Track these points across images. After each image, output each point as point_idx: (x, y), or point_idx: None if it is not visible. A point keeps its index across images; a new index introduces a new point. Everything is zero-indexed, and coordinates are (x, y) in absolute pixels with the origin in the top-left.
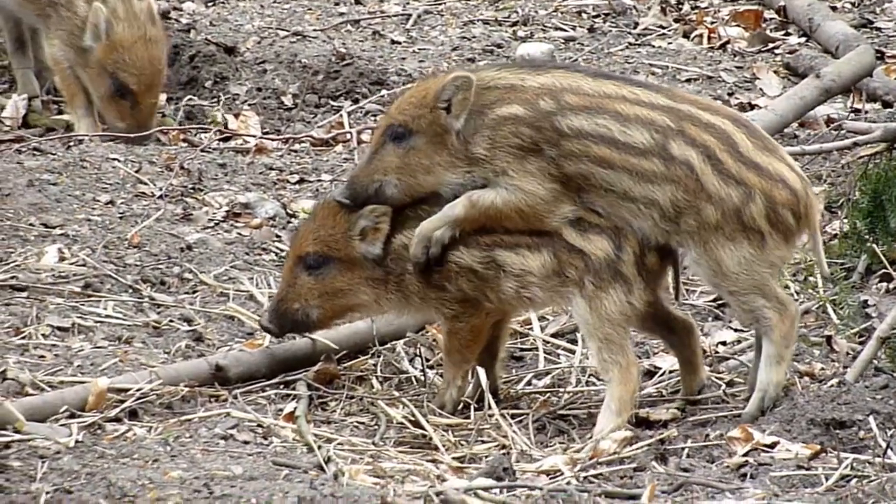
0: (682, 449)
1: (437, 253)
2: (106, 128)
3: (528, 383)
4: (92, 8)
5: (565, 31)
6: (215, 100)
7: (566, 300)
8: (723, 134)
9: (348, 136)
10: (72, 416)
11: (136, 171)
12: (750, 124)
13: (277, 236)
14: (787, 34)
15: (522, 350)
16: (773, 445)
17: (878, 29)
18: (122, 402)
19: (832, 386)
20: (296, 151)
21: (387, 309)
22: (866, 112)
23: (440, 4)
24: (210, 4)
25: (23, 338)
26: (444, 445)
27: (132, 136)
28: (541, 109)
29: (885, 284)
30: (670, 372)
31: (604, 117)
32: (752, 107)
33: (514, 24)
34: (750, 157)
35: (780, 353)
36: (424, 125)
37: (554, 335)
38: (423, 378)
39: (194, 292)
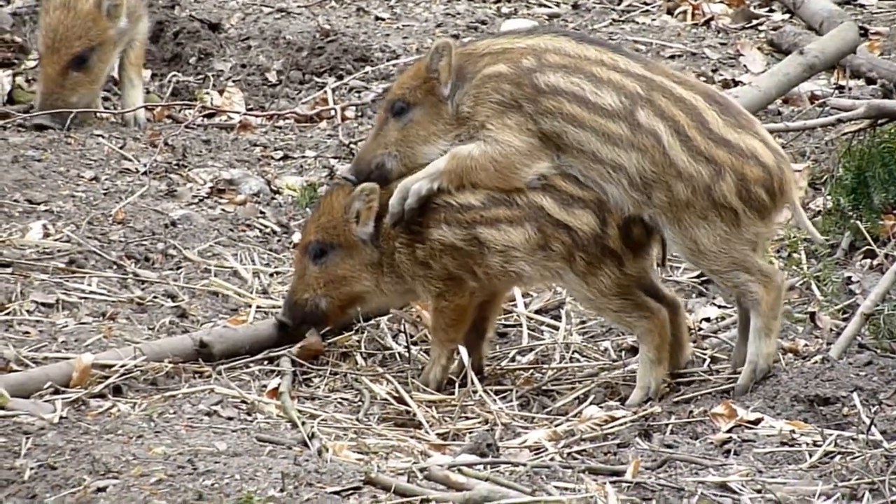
0: (666, 425)
1: (413, 205)
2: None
3: (512, 360)
4: None
5: (549, 7)
6: (200, 76)
7: (556, 275)
8: (693, 109)
9: (332, 112)
10: (56, 392)
11: (121, 148)
12: (724, 101)
13: (261, 212)
14: (771, 10)
15: (506, 326)
16: (756, 422)
17: (862, 6)
18: (107, 378)
19: (816, 362)
20: (280, 128)
21: (387, 292)
22: (850, 89)
23: None
24: None
25: (7, 314)
26: (427, 422)
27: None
28: (523, 67)
29: (868, 261)
30: None
31: (579, 76)
32: (736, 83)
33: (498, 0)
34: (720, 133)
35: (768, 324)
36: (421, 97)
37: (538, 311)
38: (407, 354)
39: (178, 268)
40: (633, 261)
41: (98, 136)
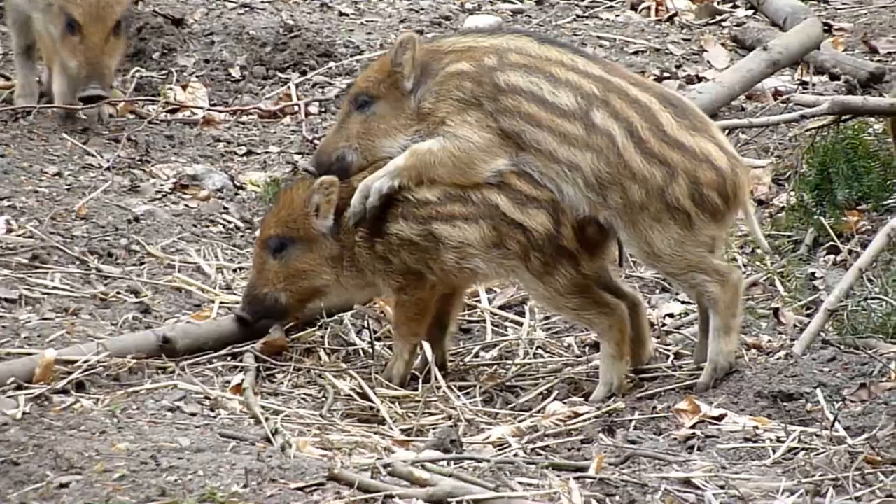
0: (630, 421)
1: (374, 203)
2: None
3: (476, 356)
4: None
5: (513, 3)
6: (163, 72)
7: (512, 273)
8: (647, 111)
9: (296, 108)
10: (19, 387)
11: (84, 143)
12: (680, 102)
13: (225, 208)
14: (735, 7)
15: (470, 322)
16: (720, 418)
17: (826, 1)
18: (70, 373)
19: (779, 358)
20: (243, 123)
21: (347, 287)
22: (814, 85)
23: None
24: None
25: None
26: (391, 418)
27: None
28: (484, 65)
29: (832, 257)
30: None
31: (538, 76)
32: (700, 79)
33: None
34: (674, 136)
35: (726, 323)
36: (384, 90)
37: (501, 307)
38: (370, 350)
39: (142, 264)
40: (590, 260)
41: (61, 130)
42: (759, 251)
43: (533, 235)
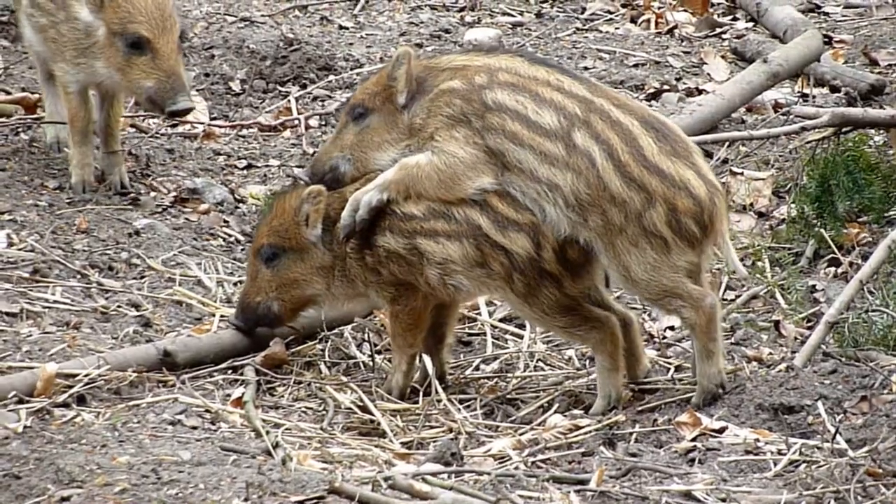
0: (631, 434)
1: (364, 216)
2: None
3: (476, 368)
4: None
5: (513, 16)
6: None
7: (496, 292)
8: (628, 135)
9: (296, 122)
10: (20, 401)
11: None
12: (662, 127)
13: (225, 222)
14: (735, 19)
15: (470, 335)
16: (721, 430)
17: (826, 14)
18: (71, 387)
19: (780, 371)
20: (244, 137)
21: (338, 296)
22: (814, 97)
23: None
24: None
25: None
26: (392, 431)
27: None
28: (475, 83)
29: (832, 269)
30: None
31: (524, 95)
32: (700, 91)
33: (462, 9)
34: (654, 161)
35: (706, 346)
36: (379, 103)
37: (502, 320)
38: (371, 363)
39: (142, 278)
40: (573, 281)
41: (62, 145)
42: (759, 263)
43: (515, 258)
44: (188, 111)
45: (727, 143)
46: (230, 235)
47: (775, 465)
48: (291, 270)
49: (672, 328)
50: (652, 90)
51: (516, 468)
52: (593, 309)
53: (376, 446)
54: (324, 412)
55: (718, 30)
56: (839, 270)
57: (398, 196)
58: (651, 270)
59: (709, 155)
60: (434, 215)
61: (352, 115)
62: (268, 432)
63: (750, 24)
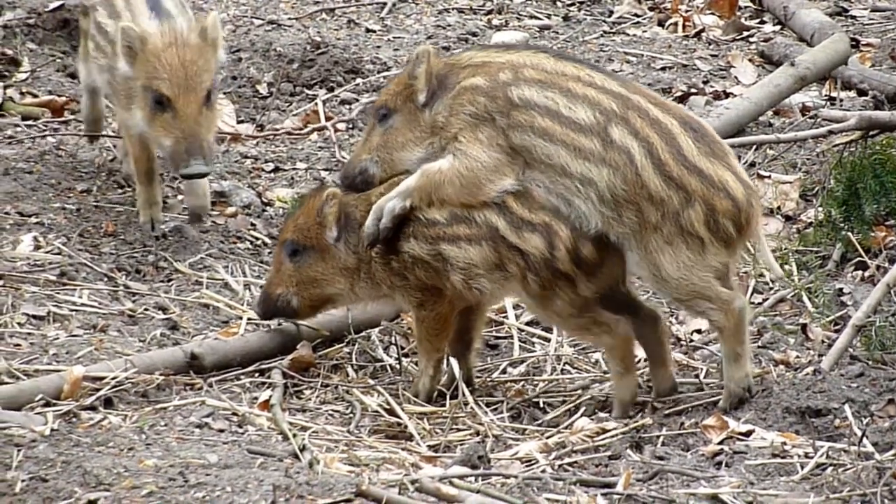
0: (658, 437)
1: (388, 224)
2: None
3: (503, 371)
4: (120, 29)
5: (540, 19)
6: None
7: (514, 294)
8: (668, 134)
9: (327, 129)
10: (47, 404)
11: (112, 161)
12: (700, 127)
13: (252, 225)
14: (762, 22)
15: (497, 338)
16: (748, 434)
17: (853, 17)
18: (98, 390)
19: (807, 374)
20: (270, 140)
21: (361, 297)
22: (841, 100)
23: None
24: None
25: None
26: (419, 434)
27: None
28: (499, 80)
29: (860, 272)
30: (646, 360)
31: (554, 91)
32: (727, 95)
33: (489, 12)
34: (693, 161)
35: (734, 349)
36: (401, 103)
37: (528, 323)
38: (398, 366)
39: (169, 281)
40: (588, 281)
41: (89, 148)
42: (786, 267)
43: (529, 259)
44: (202, 175)
45: (754, 147)
46: (257, 238)
47: (802, 468)
48: (312, 269)
49: (699, 331)
50: (679, 93)
51: (543, 471)
52: (605, 313)
53: (403, 449)
54: (351, 415)
55: (746, 33)
56: (866, 274)
57: (421, 202)
58: (684, 270)
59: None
60: (456, 220)
61: (377, 117)
62: (295, 435)
63: (777, 28)
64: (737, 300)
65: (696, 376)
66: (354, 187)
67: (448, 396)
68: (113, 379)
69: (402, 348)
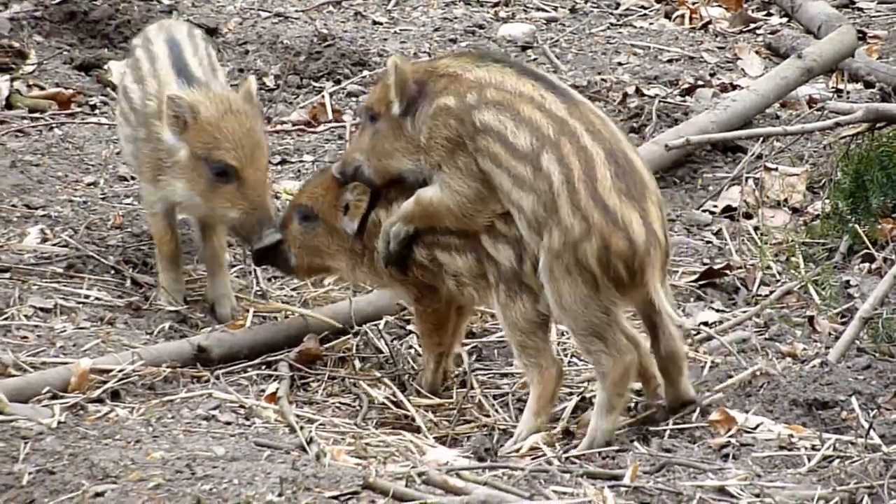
0: (665, 430)
1: (396, 248)
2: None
3: (510, 364)
4: (166, 97)
5: (547, 11)
6: None
7: (491, 301)
8: (589, 163)
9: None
10: (54, 397)
11: (118, 153)
12: (627, 163)
13: None
14: (769, 14)
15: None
16: (755, 426)
17: (860, 9)
18: (105, 382)
19: (814, 366)
20: (277, 132)
21: (360, 280)
22: (848, 92)
23: None
24: None
25: (5, 319)
26: (426, 426)
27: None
28: (466, 102)
29: (867, 265)
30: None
31: (506, 115)
32: (734, 87)
33: (496, 4)
34: (601, 195)
35: (611, 401)
36: (384, 110)
37: None
38: (407, 358)
39: None
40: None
41: (96, 140)
42: (793, 259)
43: (501, 269)
44: (275, 244)
45: (761, 139)
46: None
47: (809, 460)
48: (318, 240)
49: (706, 324)
50: (686, 85)
51: (550, 463)
52: (552, 346)
53: (410, 441)
54: (358, 407)
55: (752, 25)
56: (873, 266)
57: (422, 227)
58: (580, 303)
59: (742, 150)
60: (448, 230)
61: (367, 117)
62: (302, 427)
63: (784, 20)
64: (629, 354)
65: (701, 369)
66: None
67: (455, 388)
68: (120, 371)
69: (399, 338)
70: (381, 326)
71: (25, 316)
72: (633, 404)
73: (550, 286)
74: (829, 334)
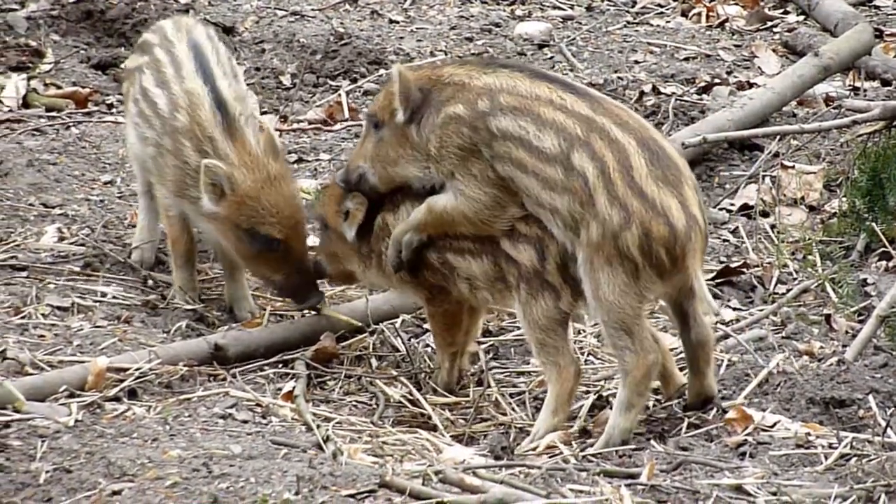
0: (682, 428)
1: (408, 256)
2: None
3: (527, 362)
4: (203, 166)
5: (563, 9)
6: None
7: (510, 302)
8: (622, 153)
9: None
10: (71, 395)
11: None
12: (659, 150)
13: None
14: (786, 12)
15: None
16: (772, 424)
17: (877, 7)
18: (122, 381)
19: (831, 365)
20: (294, 131)
21: (375, 282)
22: (865, 90)
23: None
24: None
25: (22, 317)
26: (442, 424)
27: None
28: (478, 109)
29: (884, 263)
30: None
31: (526, 119)
32: (751, 85)
33: (512, 3)
34: (639, 183)
35: (631, 399)
36: (388, 118)
37: None
38: (424, 357)
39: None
40: (572, 298)
41: (113, 140)
42: (810, 257)
43: (521, 270)
44: (318, 303)
45: (778, 137)
46: None
47: (826, 458)
48: (332, 246)
49: (724, 322)
50: (703, 84)
51: (567, 462)
52: (571, 345)
53: (427, 440)
54: (374, 406)
55: (769, 23)
56: (890, 264)
57: (434, 235)
58: (618, 294)
59: (759, 149)
60: (462, 234)
61: (371, 124)
62: (318, 426)
63: (801, 18)
64: (653, 354)
65: (718, 367)
66: (356, 191)
67: (471, 386)
68: (137, 370)
69: (416, 336)
70: (397, 325)
71: (42, 314)
72: (650, 404)
73: (589, 278)
74: (846, 332)
